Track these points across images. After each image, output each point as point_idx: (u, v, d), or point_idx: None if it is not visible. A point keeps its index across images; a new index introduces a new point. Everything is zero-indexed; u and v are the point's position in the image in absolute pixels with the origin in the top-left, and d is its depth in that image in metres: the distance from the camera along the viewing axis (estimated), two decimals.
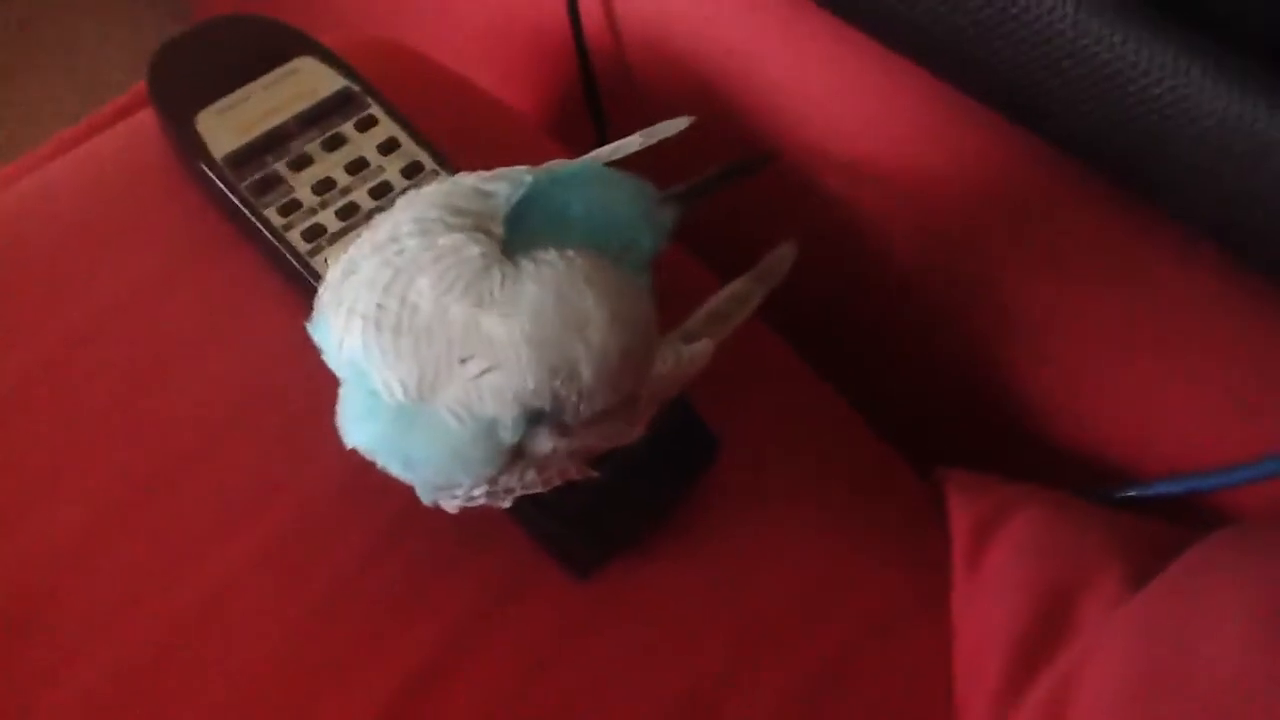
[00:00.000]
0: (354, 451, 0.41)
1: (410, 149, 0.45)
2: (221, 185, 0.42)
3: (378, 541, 0.40)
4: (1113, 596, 0.41)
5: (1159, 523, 0.46)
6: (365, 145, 0.44)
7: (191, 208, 0.45)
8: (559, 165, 0.37)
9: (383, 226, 0.33)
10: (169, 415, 0.41)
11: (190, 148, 0.43)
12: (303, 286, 0.42)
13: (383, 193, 0.43)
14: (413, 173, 0.44)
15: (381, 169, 0.44)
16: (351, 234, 0.42)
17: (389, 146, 0.44)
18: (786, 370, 0.51)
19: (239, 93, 0.44)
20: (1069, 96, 0.37)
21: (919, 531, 0.47)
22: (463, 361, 0.30)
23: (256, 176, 0.43)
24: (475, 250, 0.31)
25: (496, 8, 0.63)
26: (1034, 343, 0.52)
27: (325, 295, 0.33)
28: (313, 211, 0.42)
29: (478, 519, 0.39)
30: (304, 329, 0.42)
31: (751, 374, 0.48)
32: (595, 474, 0.35)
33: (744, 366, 0.45)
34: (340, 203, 0.43)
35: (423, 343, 0.30)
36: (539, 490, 0.34)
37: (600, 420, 0.33)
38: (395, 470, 0.33)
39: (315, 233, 0.42)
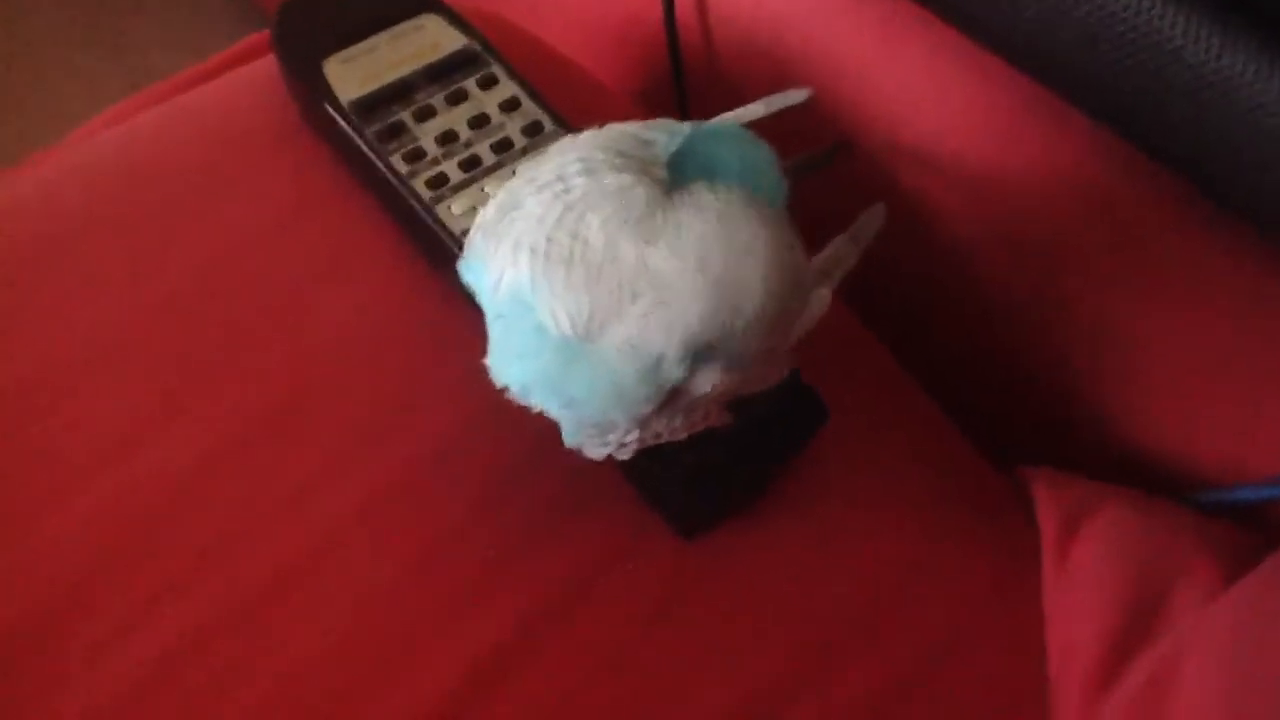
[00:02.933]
0: (464, 402, 0.41)
1: (530, 109, 0.45)
2: (349, 129, 0.43)
3: (487, 493, 0.40)
4: (1204, 591, 0.42)
5: (1236, 525, 0.47)
6: (487, 102, 0.45)
7: (308, 154, 0.45)
8: (702, 123, 0.37)
9: (545, 166, 0.33)
10: (279, 357, 0.41)
11: (317, 93, 0.43)
12: (421, 234, 0.42)
13: (504, 148, 0.44)
14: (533, 131, 0.44)
15: (503, 125, 0.44)
16: (473, 185, 0.42)
17: (510, 105, 0.45)
18: (875, 362, 0.51)
19: (365, 43, 0.45)
20: (1181, 112, 0.37)
21: (1004, 523, 0.47)
22: (633, 299, 0.30)
23: (382, 124, 0.43)
24: (642, 191, 0.31)
25: None
26: (1118, 355, 0.52)
27: (480, 234, 0.33)
28: (436, 161, 0.43)
29: (589, 476, 0.39)
30: (418, 276, 0.43)
31: (843, 361, 0.48)
32: (731, 420, 0.35)
33: (836, 354, 0.45)
34: (463, 155, 0.43)
35: (594, 277, 0.30)
36: (680, 436, 0.34)
37: (755, 361, 0.33)
38: (551, 409, 0.33)
39: (439, 182, 0.42)
